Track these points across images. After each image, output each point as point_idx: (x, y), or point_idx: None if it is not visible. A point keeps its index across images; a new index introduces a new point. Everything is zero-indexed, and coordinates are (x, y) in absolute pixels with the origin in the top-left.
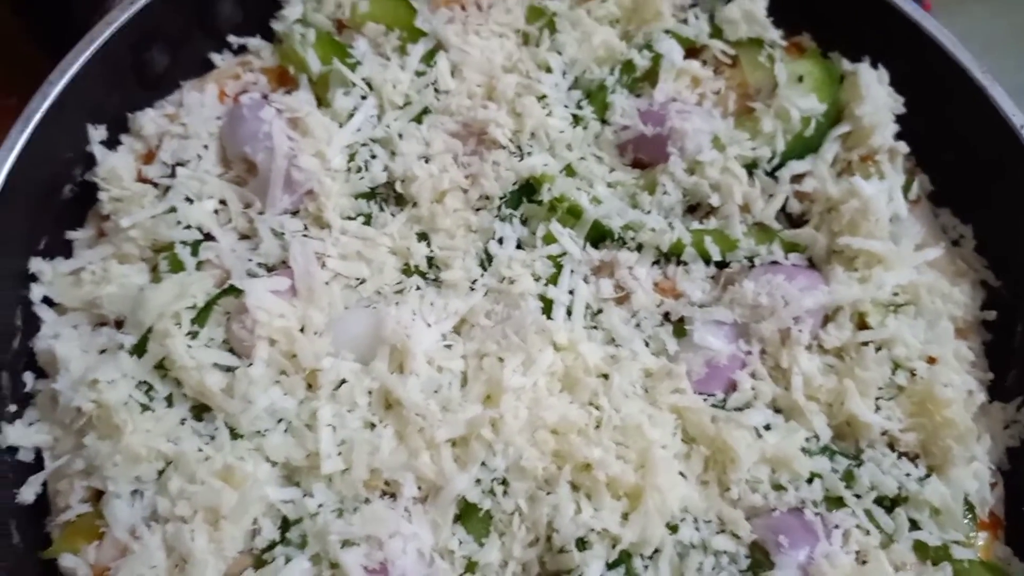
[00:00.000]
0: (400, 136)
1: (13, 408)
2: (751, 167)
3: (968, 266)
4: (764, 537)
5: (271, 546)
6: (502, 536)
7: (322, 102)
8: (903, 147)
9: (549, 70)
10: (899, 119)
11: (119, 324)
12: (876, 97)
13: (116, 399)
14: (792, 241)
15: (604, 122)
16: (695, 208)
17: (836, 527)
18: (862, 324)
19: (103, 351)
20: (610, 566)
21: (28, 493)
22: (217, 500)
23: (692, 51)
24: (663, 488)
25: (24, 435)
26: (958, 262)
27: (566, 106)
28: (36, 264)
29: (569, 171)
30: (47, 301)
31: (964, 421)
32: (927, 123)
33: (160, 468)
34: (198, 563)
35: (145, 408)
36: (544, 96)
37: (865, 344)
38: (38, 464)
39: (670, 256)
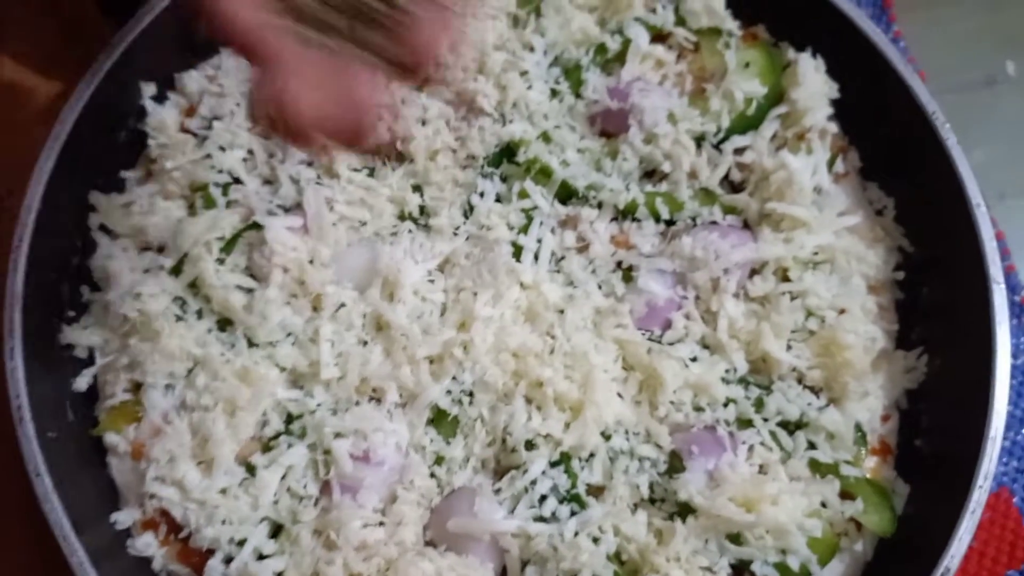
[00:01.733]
0: (403, 102)
1: (72, 314)
2: (699, 140)
3: (887, 233)
4: (681, 447)
5: (276, 436)
6: (466, 437)
7: None
8: (832, 127)
9: (532, 49)
10: (837, 102)
11: (160, 249)
12: (811, 83)
13: (156, 309)
14: (730, 204)
15: (578, 96)
16: (651, 174)
17: (743, 443)
18: (785, 278)
19: (147, 270)
20: (552, 464)
21: (81, 382)
22: (235, 394)
23: (660, 37)
24: (600, 403)
25: (80, 335)
26: (877, 229)
27: (545, 81)
28: (95, 197)
29: (545, 138)
30: (103, 228)
31: (861, 362)
32: (861, 107)
33: (190, 367)
34: (217, 443)
35: (179, 318)
36: (526, 72)
37: (783, 294)
38: (90, 360)
39: (626, 214)
